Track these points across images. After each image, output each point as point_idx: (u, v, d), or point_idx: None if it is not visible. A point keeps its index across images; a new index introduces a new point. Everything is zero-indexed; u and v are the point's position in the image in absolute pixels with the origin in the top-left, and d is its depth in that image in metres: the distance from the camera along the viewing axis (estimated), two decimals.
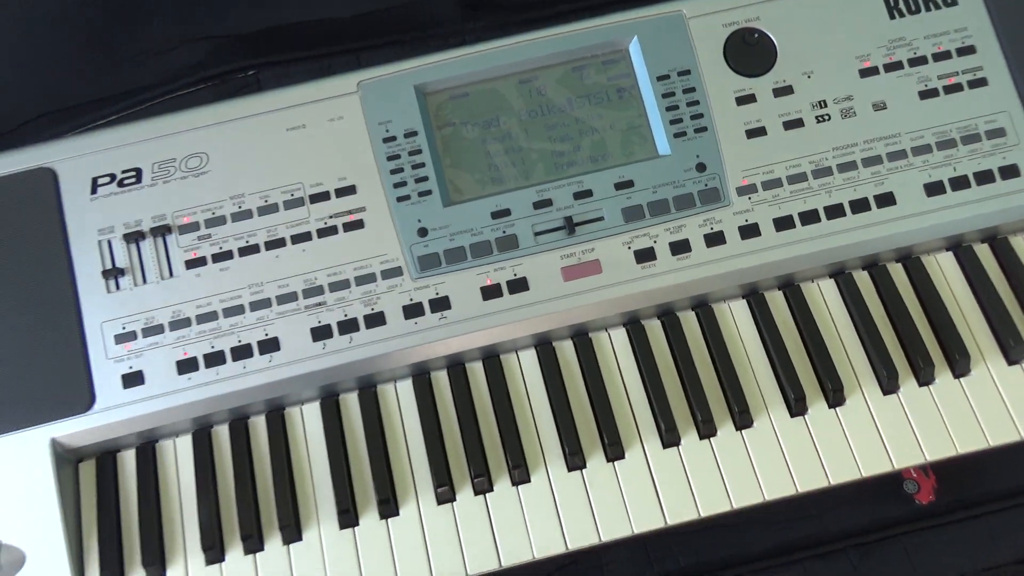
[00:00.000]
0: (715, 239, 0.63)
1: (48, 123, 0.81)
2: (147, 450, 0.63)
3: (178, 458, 0.63)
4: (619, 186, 0.64)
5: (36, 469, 0.60)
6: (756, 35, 0.66)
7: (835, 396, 0.61)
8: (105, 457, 0.63)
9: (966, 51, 0.66)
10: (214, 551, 0.59)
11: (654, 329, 0.64)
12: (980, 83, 0.66)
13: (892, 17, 0.67)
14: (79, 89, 0.81)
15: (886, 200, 0.64)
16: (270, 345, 0.62)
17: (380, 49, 0.75)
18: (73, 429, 0.61)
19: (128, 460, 0.63)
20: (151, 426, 0.62)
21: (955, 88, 0.66)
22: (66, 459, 0.62)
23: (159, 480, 0.62)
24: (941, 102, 0.66)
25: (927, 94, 0.65)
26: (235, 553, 0.60)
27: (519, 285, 0.63)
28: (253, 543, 0.60)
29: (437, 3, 0.80)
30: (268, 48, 0.79)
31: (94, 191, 0.65)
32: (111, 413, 0.61)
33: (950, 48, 0.67)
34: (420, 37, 0.76)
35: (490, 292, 0.63)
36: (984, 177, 0.65)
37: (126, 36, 0.81)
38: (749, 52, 0.66)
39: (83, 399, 0.61)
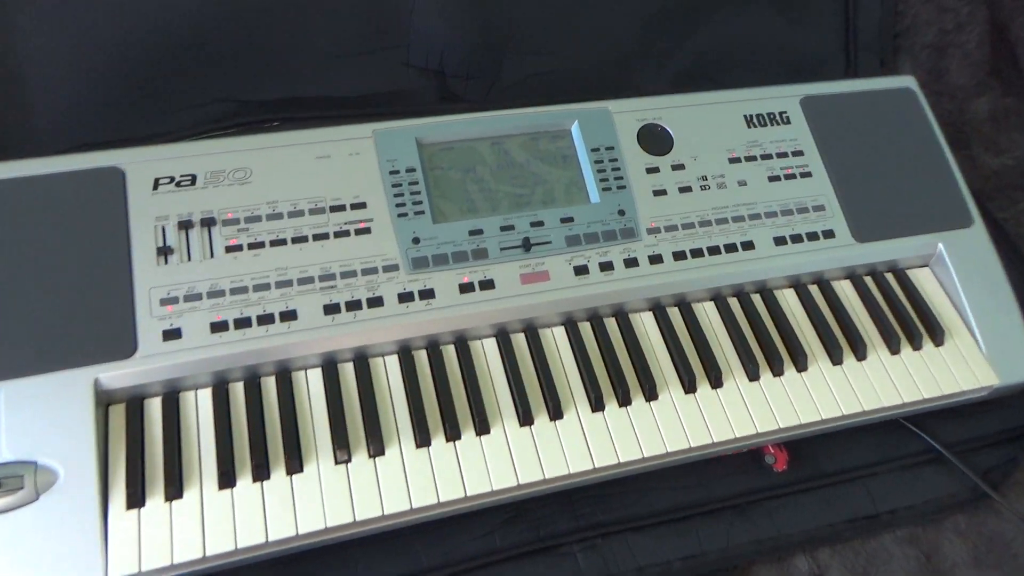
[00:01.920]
0: (631, 263, 0.78)
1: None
2: (172, 398, 0.69)
3: (198, 408, 0.68)
4: (563, 220, 0.79)
5: (77, 404, 0.64)
6: (660, 128, 0.85)
7: (715, 379, 0.76)
8: (134, 402, 0.68)
9: (797, 153, 0.87)
10: (227, 476, 0.65)
11: (585, 328, 0.78)
12: (807, 175, 0.86)
13: (749, 127, 0.88)
14: (117, 129, 0.93)
15: (748, 246, 0.82)
16: (289, 315, 0.71)
17: (376, 119, 0.92)
18: (115, 372, 0.66)
19: (154, 406, 0.69)
20: (181, 375, 0.68)
21: (791, 176, 0.88)
22: (103, 399, 0.66)
23: (181, 423, 0.68)
24: (783, 184, 0.86)
25: (773, 178, 0.85)
26: (245, 480, 0.67)
27: (488, 284, 0.75)
28: (262, 472, 0.66)
29: (422, 93, 0.99)
30: (286, 110, 0.94)
31: (155, 188, 0.74)
32: (150, 360, 0.67)
33: (787, 150, 0.88)
34: (407, 114, 0.94)
35: (465, 288, 0.74)
36: (812, 236, 0.84)
37: (163, 91, 0.93)
38: (654, 139, 0.85)
39: (127, 347, 0.67)
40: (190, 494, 0.64)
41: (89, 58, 0.88)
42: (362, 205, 0.77)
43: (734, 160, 0.86)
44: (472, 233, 0.77)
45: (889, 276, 0.86)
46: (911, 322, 0.82)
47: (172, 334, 0.69)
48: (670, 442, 0.72)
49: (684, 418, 0.74)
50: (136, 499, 0.63)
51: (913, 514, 0.80)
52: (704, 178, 0.85)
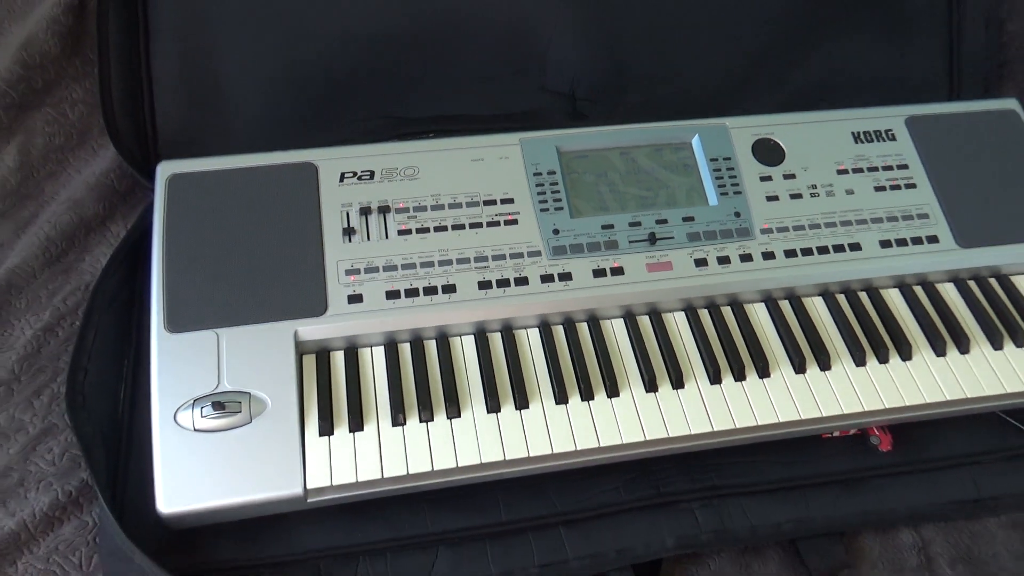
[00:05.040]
0: (746, 258, 0.89)
1: None
2: (352, 352, 0.84)
3: (373, 362, 0.82)
4: (685, 219, 0.91)
5: (282, 349, 0.79)
6: (772, 142, 0.97)
7: (824, 362, 0.84)
8: (323, 353, 0.83)
9: (902, 167, 0.97)
10: (399, 416, 0.79)
11: (704, 314, 0.88)
12: (912, 186, 0.95)
13: (857, 143, 0.98)
14: (300, 139, 1.09)
15: (855, 247, 0.91)
16: (450, 288, 0.85)
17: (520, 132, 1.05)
18: (310, 326, 0.81)
19: (338, 358, 0.83)
20: (361, 332, 0.82)
21: (896, 187, 0.97)
22: (298, 349, 0.81)
23: (360, 373, 0.83)
24: (888, 194, 0.95)
25: (879, 188, 0.95)
26: (413, 421, 0.80)
27: (618, 271, 0.87)
28: (427, 414, 0.79)
29: (554, 111, 1.12)
30: (440, 125, 1.11)
31: (341, 181, 0.90)
32: (338, 318, 0.81)
33: (892, 164, 0.97)
34: (545, 128, 1.08)
35: (598, 273, 0.86)
36: (916, 241, 0.93)
37: (338, 108, 1.10)
38: (768, 151, 0.96)
39: (320, 307, 0.82)
40: (369, 428, 0.78)
41: (278, 77, 1.06)
42: (510, 200, 0.91)
43: (842, 172, 0.96)
44: (604, 227, 0.90)
45: (992, 281, 0.94)
46: (1013, 321, 0.89)
47: (355, 298, 0.84)
48: (782, 413, 0.81)
49: (794, 393, 0.83)
50: (327, 429, 0.77)
51: (1017, 501, 0.86)
52: (814, 186, 0.95)
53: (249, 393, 0.78)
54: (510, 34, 1.10)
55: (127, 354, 0.89)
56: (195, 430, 0.76)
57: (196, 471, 0.74)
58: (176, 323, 0.80)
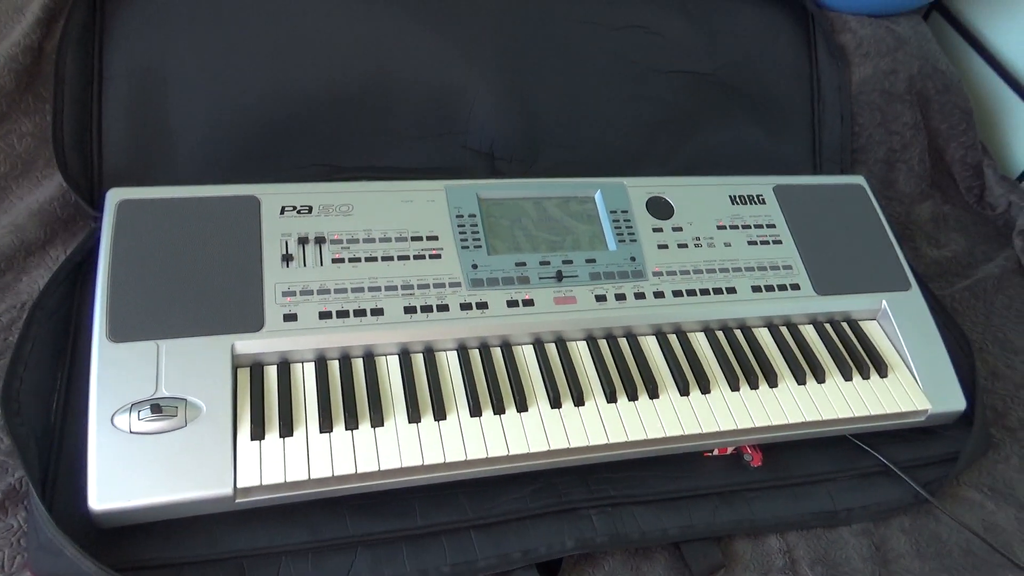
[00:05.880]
0: (640, 296, 1.02)
1: None
2: (284, 367, 0.91)
3: (304, 377, 0.90)
4: (587, 260, 1.03)
5: (219, 360, 0.85)
6: (663, 200, 1.13)
7: (704, 387, 0.97)
8: (256, 367, 0.90)
9: (771, 226, 1.13)
10: (327, 423, 0.86)
11: (603, 344, 1.00)
12: (778, 242, 1.11)
13: (733, 204, 1.14)
14: (240, 177, 1.18)
15: (731, 290, 1.06)
16: (378, 312, 0.93)
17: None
18: (247, 341, 0.87)
19: (271, 372, 0.90)
20: (293, 348, 0.89)
21: (765, 242, 1.13)
22: (234, 361, 0.88)
23: (291, 385, 0.90)
24: (759, 248, 1.10)
25: (752, 243, 1.10)
26: (339, 428, 0.87)
27: (529, 303, 0.98)
28: (353, 422, 0.86)
29: (475, 168, 1.24)
30: (370, 175, 1.21)
31: (282, 213, 0.98)
32: (273, 334, 0.88)
33: (763, 223, 1.13)
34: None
35: (511, 304, 0.97)
36: (782, 287, 1.08)
37: (276, 155, 1.19)
38: (659, 207, 1.11)
39: (257, 323, 0.88)
40: (298, 433, 0.85)
41: (222, 123, 1.14)
42: (435, 237, 1.01)
43: (721, 227, 1.12)
44: (517, 264, 1.02)
45: (844, 324, 1.10)
46: (861, 357, 1.05)
47: (290, 317, 0.91)
48: (668, 428, 0.93)
49: (679, 412, 0.95)
50: (258, 434, 0.83)
51: (866, 513, 0.99)
52: (698, 238, 1.10)
53: (186, 399, 0.84)
54: (438, 97, 1.23)
55: (62, 365, 0.93)
56: (131, 432, 0.81)
57: (130, 470, 0.79)
58: (118, 333, 0.86)
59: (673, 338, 1.03)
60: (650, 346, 1.02)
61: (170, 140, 1.13)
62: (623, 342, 1.01)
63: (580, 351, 0.99)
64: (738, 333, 1.06)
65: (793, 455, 1.02)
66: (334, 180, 1.15)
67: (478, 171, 1.24)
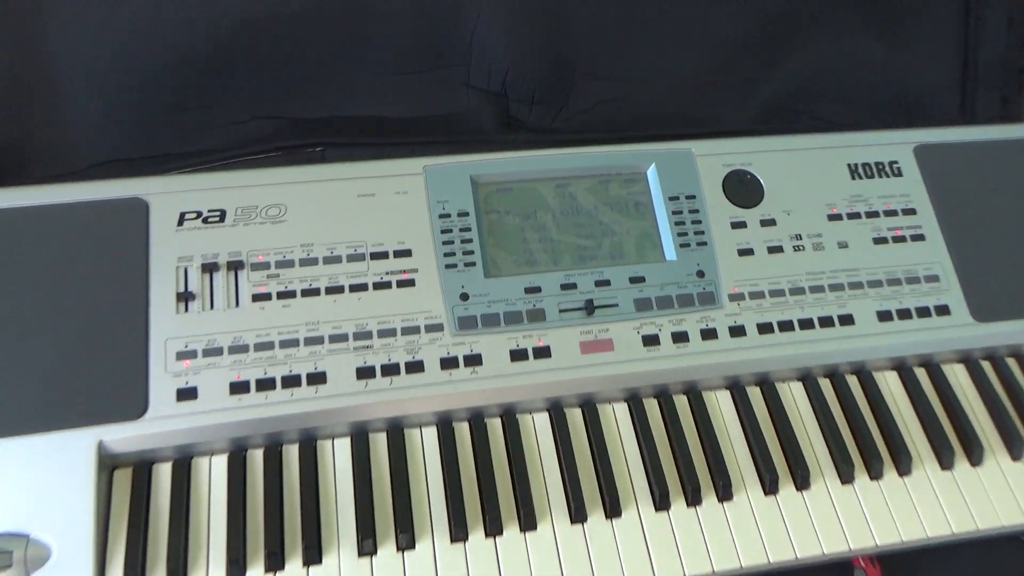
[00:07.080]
0: (709, 334, 0.70)
1: (116, 170, 0.85)
2: (183, 464, 0.63)
3: (212, 476, 0.62)
4: (633, 280, 0.71)
5: (78, 468, 0.59)
6: (748, 176, 0.76)
7: (803, 480, 0.67)
8: (142, 467, 0.62)
9: (909, 212, 0.77)
10: (237, 565, 0.58)
11: (652, 406, 0.69)
12: (919, 238, 0.76)
13: (853, 178, 0.78)
14: (151, 144, 0.87)
15: (847, 320, 0.72)
16: (318, 378, 0.64)
17: (430, 146, 0.84)
18: (122, 434, 0.60)
19: (164, 472, 0.62)
20: (196, 440, 0.61)
21: (901, 239, 0.77)
22: (106, 463, 0.60)
23: (191, 493, 0.62)
24: (891, 248, 0.75)
25: (879, 240, 0.75)
26: (256, 570, 0.60)
27: (543, 352, 0.67)
28: (276, 561, 0.58)
29: (482, 116, 0.91)
30: (333, 132, 0.87)
31: (180, 223, 0.67)
32: (161, 422, 0.61)
33: (897, 208, 0.77)
34: (464, 141, 0.86)
35: (517, 355, 0.67)
36: (923, 312, 0.74)
37: (201, 105, 0.87)
38: (742, 188, 0.76)
39: (137, 407, 0.61)
40: None
41: (124, 66, 0.83)
42: (406, 253, 0.69)
43: (834, 217, 0.76)
44: (528, 291, 0.69)
45: (1011, 361, 0.75)
46: None
47: (187, 393, 0.62)
48: (744, 555, 0.62)
49: (763, 526, 0.64)
50: None
51: None
52: (798, 237, 0.74)
53: (27, 536, 0.57)
54: (428, 12, 0.86)
55: None
56: None
57: None
58: None
59: (756, 393, 0.70)
60: (721, 408, 0.70)
61: (59, 97, 0.82)
62: (682, 402, 0.69)
63: (618, 419, 0.68)
64: (852, 381, 0.72)
65: (923, 563, 0.70)
66: (284, 149, 0.84)
67: (485, 119, 0.90)
